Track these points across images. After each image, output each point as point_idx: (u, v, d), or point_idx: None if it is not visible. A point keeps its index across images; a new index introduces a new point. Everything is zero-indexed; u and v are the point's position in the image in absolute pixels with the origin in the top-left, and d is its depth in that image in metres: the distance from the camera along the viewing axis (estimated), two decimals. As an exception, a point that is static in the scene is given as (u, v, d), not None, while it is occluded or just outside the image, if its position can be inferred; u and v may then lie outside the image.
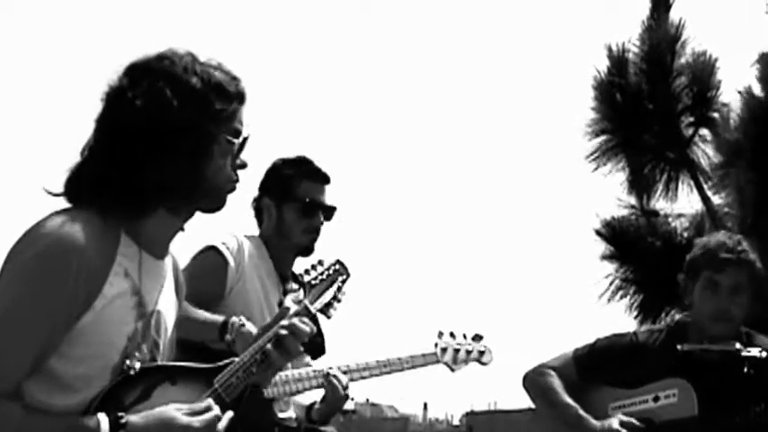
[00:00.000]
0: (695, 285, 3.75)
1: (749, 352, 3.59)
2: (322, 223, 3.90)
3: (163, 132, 2.18)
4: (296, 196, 3.87)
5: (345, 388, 3.88)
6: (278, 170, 3.93)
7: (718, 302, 3.68)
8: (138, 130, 2.18)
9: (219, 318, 3.51)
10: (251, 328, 3.45)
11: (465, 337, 4.28)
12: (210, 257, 3.71)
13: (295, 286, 3.98)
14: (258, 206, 3.96)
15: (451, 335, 4.25)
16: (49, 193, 2.25)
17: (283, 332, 2.50)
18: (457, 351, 4.23)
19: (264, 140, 2.45)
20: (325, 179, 3.94)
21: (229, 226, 3.84)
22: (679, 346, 3.66)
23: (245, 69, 2.31)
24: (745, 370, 3.62)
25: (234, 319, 3.49)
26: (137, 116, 2.18)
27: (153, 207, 2.24)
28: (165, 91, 2.19)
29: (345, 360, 4.00)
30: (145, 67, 2.25)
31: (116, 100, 2.22)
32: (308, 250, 3.90)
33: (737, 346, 3.61)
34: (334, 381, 3.83)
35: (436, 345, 4.21)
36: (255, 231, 3.96)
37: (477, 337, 4.29)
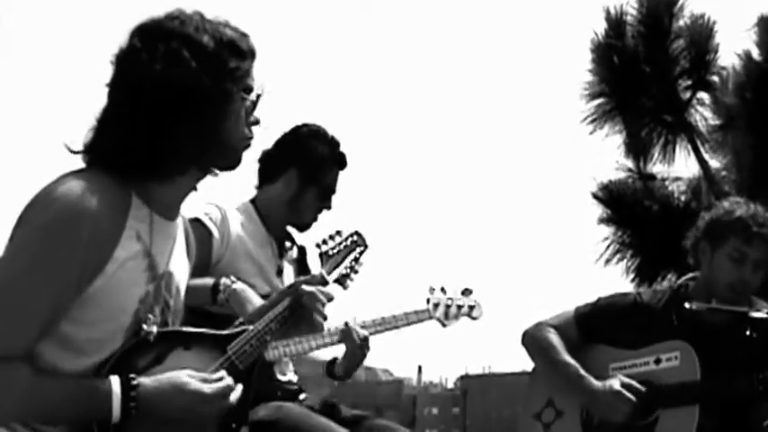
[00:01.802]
0: (717, 250, 3.69)
1: (757, 313, 3.56)
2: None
3: (184, 95, 2.16)
4: (325, 183, 3.87)
5: (364, 340, 3.86)
6: (313, 147, 3.88)
7: (741, 274, 3.63)
8: (158, 93, 2.15)
9: (209, 280, 3.50)
10: (242, 286, 3.45)
11: (456, 292, 4.28)
12: (194, 230, 3.68)
13: (288, 244, 4.00)
14: (274, 167, 3.94)
15: (442, 290, 4.25)
16: (70, 150, 2.22)
17: (307, 301, 2.51)
18: (448, 306, 4.22)
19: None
20: (345, 167, 3.96)
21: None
22: (687, 305, 3.61)
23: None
24: (748, 333, 3.61)
25: (224, 279, 3.48)
26: (157, 80, 2.15)
27: (176, 171, 2.23)
28: (183, 52, 2.17)
29: (339, 321, 3.98)
30: (157, 28, 2.21)
31: (132, 64, 2.19)
32: (308, 227, 3.91)
33: (745, 308, 3.59)
34: (353, 334, 3.81)
35: (428, 300, 4.21)
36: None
37: (467, 291, 4.27)
